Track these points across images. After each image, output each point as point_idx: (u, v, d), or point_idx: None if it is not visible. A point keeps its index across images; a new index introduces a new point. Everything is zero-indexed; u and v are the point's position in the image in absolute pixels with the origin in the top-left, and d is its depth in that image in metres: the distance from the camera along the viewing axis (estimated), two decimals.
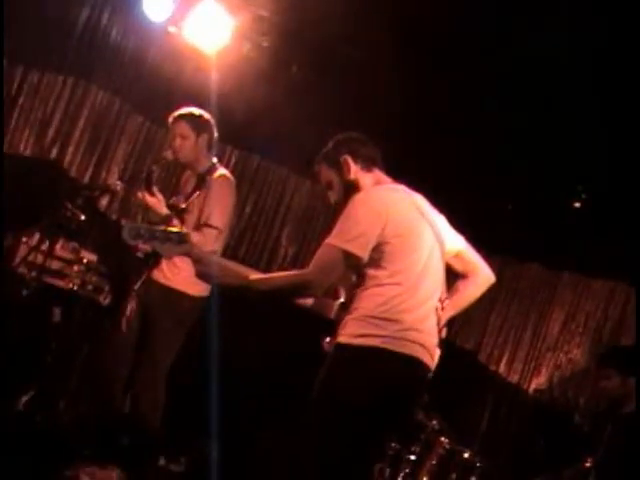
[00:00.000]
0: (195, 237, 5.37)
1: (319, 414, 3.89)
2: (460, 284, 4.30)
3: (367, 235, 3.87)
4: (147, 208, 5.68)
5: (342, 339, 3.92)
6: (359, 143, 4.27)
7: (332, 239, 3.88)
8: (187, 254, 4.04)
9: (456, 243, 4.29)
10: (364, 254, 3.86)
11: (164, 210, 5.63)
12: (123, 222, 4.19)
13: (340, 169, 4.20)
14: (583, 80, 6.24)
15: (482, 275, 4.31)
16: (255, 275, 3.99)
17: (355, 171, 4.19)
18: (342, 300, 4.13)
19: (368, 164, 4.22)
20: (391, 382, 3.89)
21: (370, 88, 7.30)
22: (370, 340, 3.85)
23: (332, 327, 4.06)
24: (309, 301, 4.16)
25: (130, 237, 3.97)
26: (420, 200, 4.20)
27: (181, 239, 3.95)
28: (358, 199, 3.98)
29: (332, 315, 4.14)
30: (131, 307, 5.77)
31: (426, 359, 3.96)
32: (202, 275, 4.07)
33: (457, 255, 4.29)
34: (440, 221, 4.25)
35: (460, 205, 5.37)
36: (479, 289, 4.31)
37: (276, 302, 4.53)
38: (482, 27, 6.32)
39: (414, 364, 3.92)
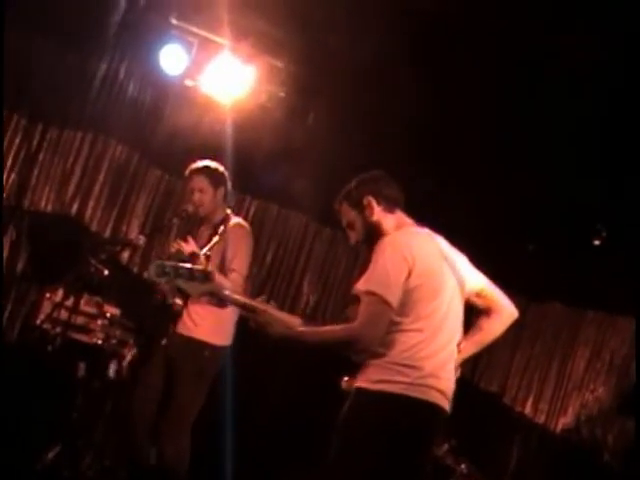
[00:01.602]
0: (226, 283, 5.39)
1: (340, 459, 3.88)
2: (483, 322, 4.28)
3: (395, 283, 3.86)
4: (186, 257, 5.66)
5: (362, 384, 3.92)
6: (383, 183, 4.25)
7: (371, 287, 3.85)
8: (212, 292, 4.03)
9: (478, 282, 4.27)
10: (395, 303, 3.85)
11: (201, 255, 5.65)
12: (152, 262, 4.19)
13: (362, 210, 4.17)
14: (601, 111, 6.24)
15: (505, 311, 4.28)
16: (302, 327, 3.98)
17: (377, 212, 4.16)
18: None
19: (391, 205, 4.20)
20: (411, 427, 3.89)
21: (387, 136, 7.33)
22: (391, 386, 3.85)
23: (350, 367, 4.05)
24: None
25: (155, 275, 3.98)
26: (442, 242, 4.19)
27: (207, 277, 3.95)
28: (385, 245, 3.95)
29: (353, 357, 4.13)
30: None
31: (444, 404, 3.97)
32: (260, 325, 4.03)
33: (479, 293, 4.26)
34: (461, 261, 4.23)
35: (481, 246, 5.35)
36: (502, 325, 4.28)
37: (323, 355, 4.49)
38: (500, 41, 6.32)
39: (433, 410, 3.92)
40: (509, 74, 6.55)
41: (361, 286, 3.89)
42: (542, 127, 6.67)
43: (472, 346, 4.23)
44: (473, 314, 4.34)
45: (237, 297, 4.24)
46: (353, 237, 4.24)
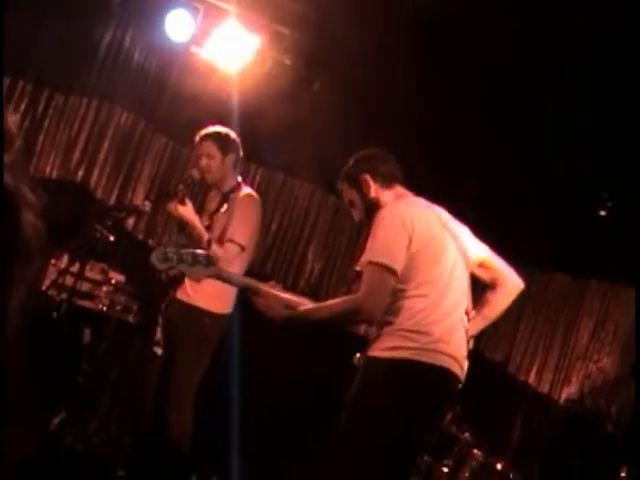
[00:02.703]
0: (217, 251, 5.40)
1: (353, 428, 3.91)
2: (489, 295, 4.30)
3: (396, 249, 3.88)
4: (180, 219, 5.67)
5: (373, 353, 3.95)
6: (379, 160, 4.30)
7: (372, 257, 3.88)
8: (216, 276, 4.07)
9: (479, 252, 4.29)
10: (398, 269, 3.87)
11: (197, 219, 5.64)
12: (154, 249, 4.20)
13: (360, 188, 4.23)
14: (608, 84, 6.23)
15: (510, 283, 4.31)
16: (303, 306, 4.01)
17: (375, 189, 4.21)
18: None
19: (388, 181, 4.25)
20: (423, 393, 3.92)
21: (394, 103, 7.32)
22: (401, 352, 3.87)
23: (362, 343, 4.08)
24: None
25: (159, 262, 4.01)
26: (441, 213, 4.22)
27: (209, 261, 3.98)
28: (383, 215, 3.99)
29: (361, 331, 4.16)
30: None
31: (456, 370, 3.98)
32: (263, 307, 4.07)
33: (482, 264, 4.29)
34: (463, 232, 4.26)
35: (484, 216, 5.38)
36: (508, 298, 4.31)
37: (331, 330, 4.53)
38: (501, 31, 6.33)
39: (445, 375, 3.94)
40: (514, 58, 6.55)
41: (364, 257, 3.92)
42: (547, 92, 6.66)
43: (481, 320, 4.26)
44: (479, 289, 4.36)
45: (240, 279, 4.29)
46: (355, 215, 4.30)
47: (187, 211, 5.63)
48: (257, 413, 7.31)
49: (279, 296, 4.09)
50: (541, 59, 6.40)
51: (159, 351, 5.64)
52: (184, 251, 4.06)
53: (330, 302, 4.02)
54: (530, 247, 8.00)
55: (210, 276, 4.09)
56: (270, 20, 7.46)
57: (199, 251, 4.15)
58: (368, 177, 4.21)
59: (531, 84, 6.68)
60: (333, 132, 7.49)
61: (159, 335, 5.69)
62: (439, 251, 4.02)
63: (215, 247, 5.46)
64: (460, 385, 4.05)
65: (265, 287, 4.15)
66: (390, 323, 3.92)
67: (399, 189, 4.26)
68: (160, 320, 5.80)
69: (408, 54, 6.59)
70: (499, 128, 7.21)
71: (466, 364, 4.07)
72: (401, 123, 7.19)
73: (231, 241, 5.55)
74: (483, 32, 6.37)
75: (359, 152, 4.36)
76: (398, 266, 3.86)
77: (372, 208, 4.16)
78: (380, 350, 3.92)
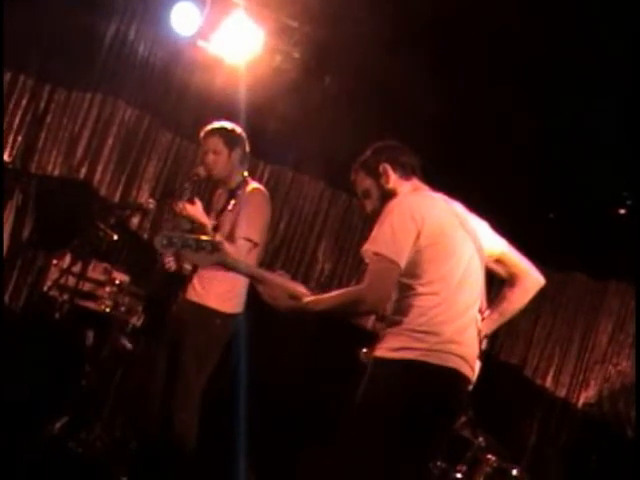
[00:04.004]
0: (229, 247, 5.38)
1: (359, 430, 3.88)
2: (507, 291, 4.24)
3: (402, 242, 3.85)
4: (189, 219, 5.66)
5: (380, 353, 3.90)
6: (398, 151, 4.26)
7: (376, 248, 3.85)
8: (221, 263, 4.03)
9: (497, 246, 4.23)
10: (402, 263, 3.84)
11: (206, 219, 5.63)
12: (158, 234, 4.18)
13: (378, 177, 4.19)
14: (626, 83, 6.22)
15: (530, 279, 4.25)
16: (307, 297, 3.98)
17: (394, 180, 4.17)
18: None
19: (407, 172, 4.21)
20: (431, 395, 3.87)
21: (408, 98, 7.28)
22: (408, 353, 3.83)
23: (369, 338, 4.05)
24: None
25: (162, 246, 3.97)
26: (458, 208, 4.18)
27: (214, 247, 3.94)
28: (392, 205, 3.95)
29: (369, 325, 4.13)
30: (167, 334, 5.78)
31: (466, 371, 3.93)
32: (268, 297, 4.05)
33: (499, 259, 4.23)
34: (480, 225, 4.21)
35: (501, 214, 5.33)
36: (528, 294, 4.24)
37: (333, 321, 4.51)
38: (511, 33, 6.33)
39: (454, 376, 3.89)
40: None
41: (366, 246, 3.90)
42: (563, 90, 6.65)
43: (497, 318, 4.20)
44: (495, 285, 4.33)
45: (245, 267, 4.26)
46: (369, 206, 4.24)
47: (196, 211, 5.62)
48: (264, 414, 7.31)
49: (285, 286, 4.07)
50: (560, 58, 6.39)
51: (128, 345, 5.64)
52: (188, 236, 4.02)
53: (334, 293, 3.98)
54: (548, 246, 7.95)
55: (215, 263, 4.05)
56: (278, 12, 7.44)
57: (204, 237, 4.11)
58: (388, 167, 4.17)
59: (549, 83, 6.65)
60: (344, 128, 7.45)
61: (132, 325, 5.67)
62: (452, 246, 3.97)
63: (226, 245, 5.45)
64: (470, 386, 4.01)
65: (271, 276, 4.12)
66: (398, 322, 3.88)
67: (417, 182, 4.22)
68: (167, 320, 5.81)
69: (423, 48, 6.58)
70: (515, 127, 7.18)
71: (478, 365, 4.03)
72: (415, 119, 7.15)
73: (242, 238, 5.55)
74: (499, 29, 6.35)
75: (377, 143, 4.31)
76: (401, 259, 3.82)
77: (389, 199, 4.10)
78: (387, 350, 3.88)
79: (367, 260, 3.87)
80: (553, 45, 6.26)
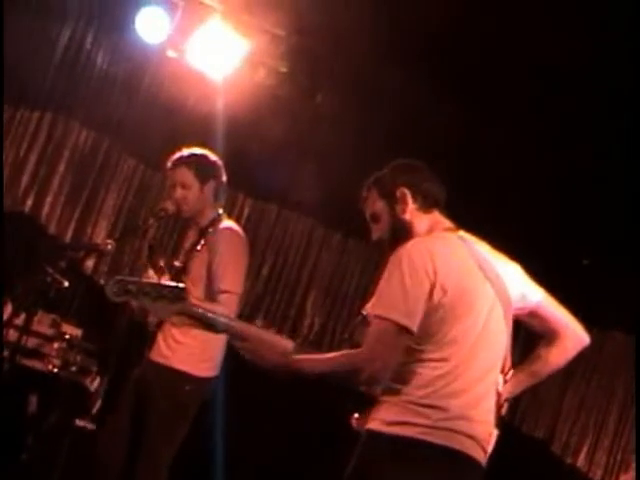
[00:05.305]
0: (221, 310, 5.39)
1: None
2: (542, 349, 4.18)
3: (414, 302, 3.80)
4: None
5: (373, 425, 3.87)
6: (422, 175, 4.18)
7: (381, 311, 3.81)
8: (185, 313, 4.00)
9: (531, 296, 4.17)
10: (414, 326, 3.80)
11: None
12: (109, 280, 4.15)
13: (393, 203, 4.12)
14: None
15: (571, 337, 4.17)
16: (297, 355, 3.95)
17: (411, 210, 4.09)
18: None
19: (428, 203, 4.12)
20: None
21: (410, 117, 7.32)
22: (406, 429, 3.78)
23: (363, 402, 4.03)
24: None
25: (114, 294, 3.95)
26: (480, 248, 4.12)
27: (177, 295, 3.92)
28: (402, 254, 3.90)
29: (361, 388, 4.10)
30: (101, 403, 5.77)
31: (475, 453, 3.87)
32: (250, 354, 4.02)
33: (534, 312, 4.17)
34: (508, 271, 4.14)
35: (526, 260, 5.33)
36: (567, 355, 4.18)
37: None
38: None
39: (460, 460, 3.82)
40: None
41: (371, 307, 3.86)
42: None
43: (525, 379, 4.16)
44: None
45: (219, 318, 4.21)
46: (376, 233, 4.18)
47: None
48: None
49: (265, 337, 4.04)
50: (576, 72, 6.50)
51: (89, 426, 5.61)
52: (147, 281, 4.01)
53: (330, 355, 3.92)
54: (581, 298, 7.94)
55: (178, 313, 4.03)
56: (262, 19, 7.48)
57: (166, 282, 4.09)
58: (407, 193, 4.09)
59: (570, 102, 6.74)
60: (339, 154, 7.48)
61: (96, 409, 5.66)
62: (469, 303, 3.92)
63: (218, 308, 5.47)
64: (481, 470, 3.96)
65: (254, 330, 4.08)
66: (398, 392, 3.83)
67: (437, 216, 4.15)
68: (125, 385, 5.78)
69: (428, 62, 6.62)
70: (539, 160, 7.27)
71: (495, 435, 3.99)
72: (422, 142, 7.16)
73: (226, 292, 5.54)
74: (497, 36, 6.44)
75: (397, 161, 4.24)
76: (413, 323, 3.77)
77: (401, 232, 4.06)
78: (382, 423, 3.84)
79: (370, 320, 3.84)
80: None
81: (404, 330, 3.74)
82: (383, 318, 3.76)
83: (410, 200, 4.09)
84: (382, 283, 3.85)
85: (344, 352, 3.90)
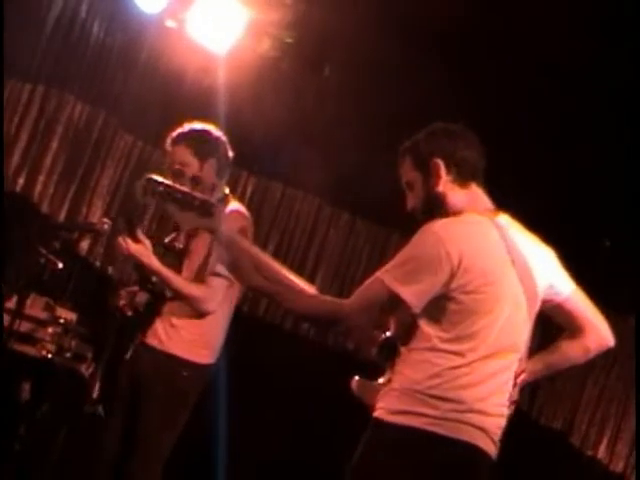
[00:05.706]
0: (199, 290, 5.41)
1: None
2: (563, 342, 4.15)
3: (426, 283, 3.79)
4: (133, 259, 5.66)
5: (379, 414, 3.87)
6: (461, 142, 4.12)
7: (384, 272, 3.80)
8: (211, 231, 3.96)
9: (561, 289, 4.11)
10: (417, 305, 3.78)
11: (152, 261, 5.60)
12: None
13: (427, 174, 4.07)
14: None
15: (596, 336, 4.14)
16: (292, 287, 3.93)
17: (445, 182, 4.03)
18: (388, 335, 4.08)
19: (464, 175, 4.06)
20: (438, 473, 3.84)
21: (423, 94, 7.31)
22: (413, 419, 3.77)
23: (365, 368, 4.05)
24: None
25: (142, 193, 3.89)
26: (515, 235, 4.03)
27: (208, 210, 3.87)
28: (426, 234, 3.88)
29: (372, 353, 4.12)
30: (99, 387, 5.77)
31: (485, 445, 3.85)
32: (230, 267, 4.01)
33: (561, 305, 4.15)
34: (544, 261, 4.08)
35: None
36: (588, 354, 4.17)
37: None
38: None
39: (469, 452, 3.83)
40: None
41: (382, 270, 3.85)
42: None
43: (541, 369, 4.15)
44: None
45: (244, 247, 4.11)
46: (411, 201, 4.10)
47: (141, 252, 5.61)
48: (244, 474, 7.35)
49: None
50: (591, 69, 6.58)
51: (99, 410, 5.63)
52: (179, 188, 3.94)
53: (315, 299, 3.93)
54: (601, 281, 7.94)
55: (203, 228, 4.01)
56: None
57: (199, 194, 4.03)
58: (441, 164, 4.02)
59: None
60: (346, 130, 7.47)
61: (96, 392, 5.66)
62: (494, 297, 3.85)
63: (194, 288, 5.49)
64: (490, 462, 3.95)
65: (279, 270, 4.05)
66: (408, 379, 3.84)
67: (475, 190, 4.06)
68: (120, 372, 5.79)
69: (438, 32, 6.62)
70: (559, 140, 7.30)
71: (502, 424, 3.98)
72: (435, 118, 7.16)
73: (217, 274, 5.54)
74: (497, 36, 6.47)
75: (436, 124, 4.20)
76: (411, 299, 3.75)
77: (434, 206, 4.01)
78: (388, 412, 3.83)
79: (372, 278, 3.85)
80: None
81: (395, 297, 3.74)
82: (378, 278, 3.77)
83: (444, 172, 4.04)
84: (401, 252, 3.84)
85: (331, 300, 3.91)
